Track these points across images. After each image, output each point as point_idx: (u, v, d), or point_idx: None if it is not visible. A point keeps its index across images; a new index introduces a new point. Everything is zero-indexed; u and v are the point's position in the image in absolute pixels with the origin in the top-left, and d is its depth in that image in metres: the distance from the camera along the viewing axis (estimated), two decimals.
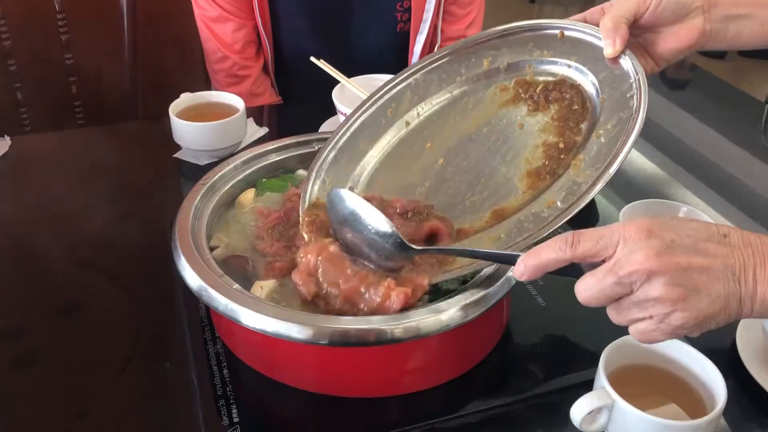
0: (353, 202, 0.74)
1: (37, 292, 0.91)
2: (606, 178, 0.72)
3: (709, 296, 0.59)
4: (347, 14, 1.45)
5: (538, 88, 0.85)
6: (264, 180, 0.93)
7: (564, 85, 0.84)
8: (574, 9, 1.17)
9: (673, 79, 1.67)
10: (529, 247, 0.66)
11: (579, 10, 0.90)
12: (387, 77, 0.96)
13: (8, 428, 0.73)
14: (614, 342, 0.70)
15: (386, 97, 0.93)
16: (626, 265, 0.59)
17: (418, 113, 0.91)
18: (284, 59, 1.50)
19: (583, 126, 0.80)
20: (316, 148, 0.97)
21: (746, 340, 0.80)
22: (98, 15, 1.53)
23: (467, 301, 0.70)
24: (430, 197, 0.83)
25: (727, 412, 0.67)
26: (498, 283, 0.73)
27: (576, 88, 0.83)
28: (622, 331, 0.75)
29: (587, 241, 0.62)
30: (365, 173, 0.89)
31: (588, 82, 0.83)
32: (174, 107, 1.18)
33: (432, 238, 0.79)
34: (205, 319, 0.84)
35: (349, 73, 1.20)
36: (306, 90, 1.43)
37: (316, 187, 0.87)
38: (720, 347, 0.81)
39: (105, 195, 1.12)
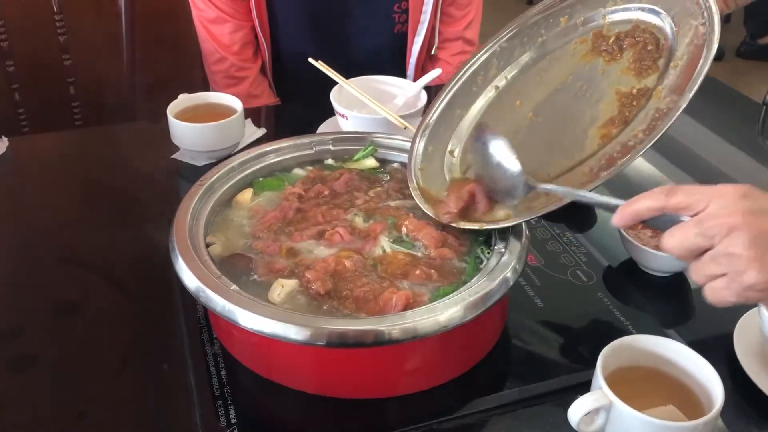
0: (495, 143, 0.81)
1: (35, 293, 0.91)
2: (686, 99, 0.75)
3: None
4: (345, 16, 1.45)
5: (611, 40, 0.89)
6: (261, 179, 0.93)
7: (637, 30, 0.88)
8: None
9: None
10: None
11: None
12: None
13: (6, 429, 0.73)
14: (612, 343, 0.70)
15: (474, 67, 0.98)
16: (711, 218, 0.60)
17: (505, 77, 0.97)
18: (282, 60, 1.51)
19: (660, 62, 0.84)
20: (315, 149, 0.97)
21: (744, 341, 0.80)
22: (96, 16, 1.53)
23: (465, 302, 0.70)
24: (522, 148, 0.85)
25: (724, 413, 0.67)
26: (496, 284, 0.73)
27: (648, 30, 0.87)
28: (620, 332, 0.75)
29: (683, 193, 0.63)
30: (463, 134, 0.94)
31: (661, 20, 0.86)
32: (172, 108, 1.18)
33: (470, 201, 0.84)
34: (202, 320, 0.84)
35: (347, 74, 1.20)
36: (304, 91, 1.44)
37: (420, 150, 0.93)
38: (717, 349, 0.81)
39: (103, 196, 1.12)
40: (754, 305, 0.80)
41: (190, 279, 0.74)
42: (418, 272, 0.78)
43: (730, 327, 0.82)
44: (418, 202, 0.86)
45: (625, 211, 0.67)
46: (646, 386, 0.71)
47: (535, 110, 0.92)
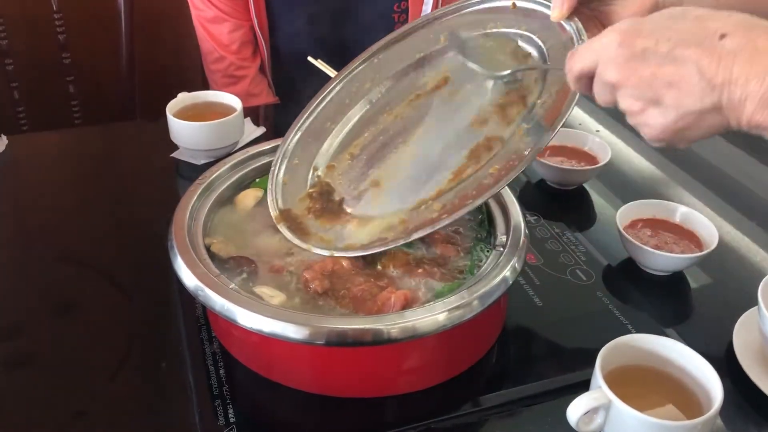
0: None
1: (33, 292, 0.91)
2: (543, 142, 0.74)
3: (676, 110, 0.56)
4: (344, 15, 1.45)
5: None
6: (258, 180, 0.93)
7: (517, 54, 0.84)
8: None
9: None
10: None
11: None
12: None
13: (3, 428, 0.73)
14: (611, 342, 0.70)
15: (348, 77, 0.95)
16: (598, 76, 0.61)
17: (380, 91, 0.93)
18: (281, 59, 1.50)
19: (528, 99, 0.80)
20: None
21: (743, 340, 0.80)
22: (95, 15, 1.53)
23: (464, 301, 0.70)
24: (384, 168, 0.84)
25: (723, 412, 0.67)
26: (495, 283, 0.72)
27: (526, 56, 0.83)
28: (619, 331, 0.75)
29: (577, 59, 0.63)
30: (331, 150, 0.90)
31: (536, 49, 0.83)
32: (171, 107, 1.18)
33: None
34: (201, 318, 0.84)
35: None
36: (303, 90, 1.43)
37: (282, 168, 0.90)
38: (717, 347, 0.82)
39: (101, 194, 1.12)
40: (755, 304, 0.79)
41: (188, 278, 0.74)
42: (420, 270, 0.78)
43: (730, 326, 0.82)
44: (280, 229, 0.82)
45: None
46: (645, 385, 0.71)
47: (403, 131, 0.86)
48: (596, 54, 0.62)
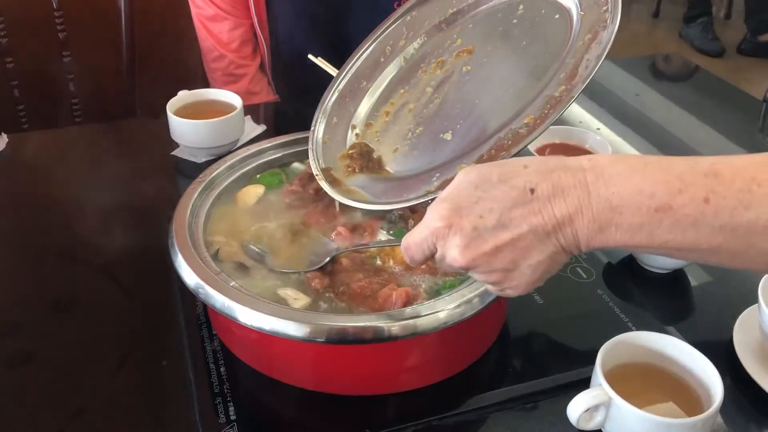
0: None
1: (34, 290, 0.91)
2: (577, 89, 0.72)
3: (530, 266, 0.60)
4: (344, 14, 1.45)
5: (519, 11, 0.86)
6: (258, 176, 0.93)
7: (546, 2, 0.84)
8: None
9: (672, 77, 1.67)
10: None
11: None
12: None
13: (3, 426, 0.73)
14: (611, 340, 0.70)
15: (383, 36, 0.96)
16: (448, 265, 0.63)
17: (414, 47, 0.94)
18: (281, 57, 1.50)
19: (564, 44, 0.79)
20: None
21: (743, 337, 0.80)
22: (96, 13, 1.53)
23: (464, 299, 0.70)
24: (422, 123, 0.85)
25: (723, 409, 0.67)
26: None
27: (556, 5, 0.83)
28: (619, 329, 0.75)
29: (414, 250, 0.64)
30: (368, 108, 0.93)
31: (569, 1, 0.82)
32: (171, 105, 1.18)
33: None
34: (202, 316, 0.84)
35: None
36: (303, 88, 1.43)
37: (322, 127, 0.92)
38: (717, 345, 0.81)
39: (102, 192, 1.12)
40: (755, 302, 0.79)
41: (189, 276, 0.74)
42: (423, 266, 0.77)
43: (730, 324, 0.82)
44: (322, 186, 0.85)
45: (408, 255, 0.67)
46: (646, 383, 0.71)
47: (438, 86, 0.87)
48: (429, 246, 0.63)
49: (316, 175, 0.86)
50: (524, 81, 0.80)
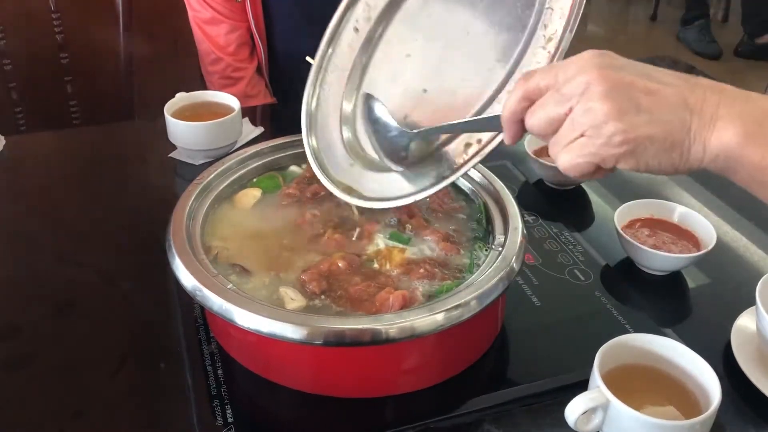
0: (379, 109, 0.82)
1: (32, 292, 0.91)
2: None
3: (650, 115, 0.56)
4: None
5: None
6: (255, 180, 0.93)
7: None
8: None
9: None
10: None
11: None
12: None
13: (3, 428, 0.73)
14: (609, 342, 0.70)
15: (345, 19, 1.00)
16: (567, 81, 0.58)
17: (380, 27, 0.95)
18: (278, 60, 1.50)
19: None
20: None
21: (741, 340, 0.80)
22: (94, 15, 1.53)
23: (462, 301, 0.70)
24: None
25: (721, 412, 0.67)
26: (493, 283, 0.72)
27: None
28: (617, 331, 0.75)
29: (540, 72, 0.60)
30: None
31: None
32: (169, 107, 1.18)
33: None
34: (199, 319, 0.84)
35: None
36: (300, 90, 1.43)
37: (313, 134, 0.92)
38: (715, 347, 0.82)
39: (100, 195, 1.12)
40: (753, 304, 0.79)
41: (186, 278, 0.74)
42: (422, 270, 0.77)
43: (728, 325, 0.82)
44: (314, 170, 0.87)
45: (506, 119, 0.62)
46: (644, 385, 0.71)
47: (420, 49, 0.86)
48: (566, 65, 0.59)
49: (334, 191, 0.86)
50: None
